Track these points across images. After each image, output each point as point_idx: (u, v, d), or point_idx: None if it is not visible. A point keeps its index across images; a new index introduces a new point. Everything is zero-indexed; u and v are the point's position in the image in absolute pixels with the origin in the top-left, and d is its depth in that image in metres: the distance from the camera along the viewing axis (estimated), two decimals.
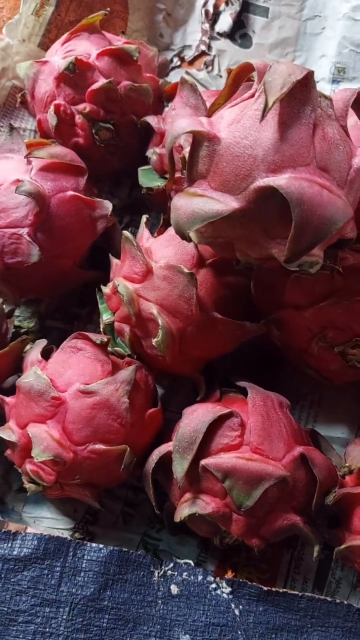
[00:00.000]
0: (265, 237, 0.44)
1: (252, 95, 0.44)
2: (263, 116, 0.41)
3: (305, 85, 0.42)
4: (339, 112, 0.45)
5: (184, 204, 0.45)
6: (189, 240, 0.46)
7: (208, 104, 0.55)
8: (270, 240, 0.44)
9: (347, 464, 0.52)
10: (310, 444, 0.53)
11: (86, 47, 0.58)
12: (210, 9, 0.73)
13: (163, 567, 0.51)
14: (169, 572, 0.51)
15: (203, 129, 0.43)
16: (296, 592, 0.50)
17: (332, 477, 0.51)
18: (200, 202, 0.44)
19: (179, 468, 0.48)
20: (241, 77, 0.48)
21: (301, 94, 0.42)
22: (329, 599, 0.50)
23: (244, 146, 0.42)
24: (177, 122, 0.45)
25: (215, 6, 0.73)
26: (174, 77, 0.72)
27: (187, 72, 0.72)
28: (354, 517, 0.50)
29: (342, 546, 0.50)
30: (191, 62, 0.73)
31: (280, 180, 0.41)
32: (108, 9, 0.61)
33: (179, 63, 0.73)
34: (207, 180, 0.44)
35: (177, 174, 0.53)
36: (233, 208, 0.43)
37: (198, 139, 0.44)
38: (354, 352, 0.51)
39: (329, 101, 0.44)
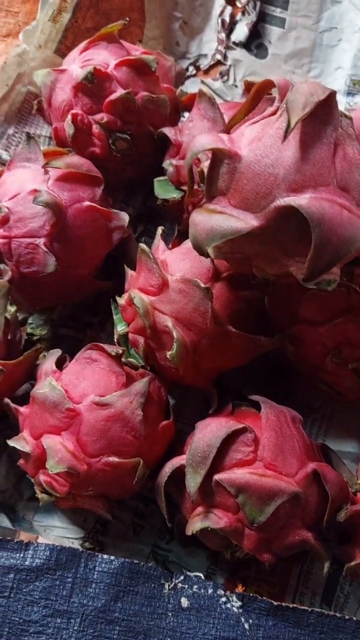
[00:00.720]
0: (284, 255, 0.44)
1: (274, 113, 0.44)
2: (285, 136, 0.41)
3: (327, 105, 0.42)
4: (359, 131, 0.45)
5: (202, 220, 0.45)
6: (207, 256, 0.46)
7: (225, 117, 0.55)
8: (288, 258, 0.44)
9: (359, 481, 0.52)
10: (322, 459, 0.53)
11: (104, 57, 0.58)
12: (227, 18, 0.73)
13: (174, 580, 0.51)
14: (180, 584, 0.51)
15: (224, 146, 0.44)
16: (306, 608, 0.50)
17: (343, 493, 0.51)
18: (220, 219, 0.44)
19: (193, 482, 0.48)
20: (262, 92, 0.48)
21: (323, 113, 0.42)
22: (338, 615, 0.50)
23: (265, 165, 0.42)
24: (198, 138, 0.45)
25: (232, 15, 0.73)
26: (189, 86, 0.72)
27: (202, 82, 0.72)
28: None
29: (353, 563, 0.50)
30: (207, 71, 0.73)
31: (301, 200, 0.41)
32: (127, 18, 0.61)
33: (194, 72, 0.73)
34: (227, 197, 0.44)
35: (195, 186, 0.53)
36: (252, 226, 0.43)
37: (219, 156, 0.44)
38: None
39: (349, 120, 0.44)
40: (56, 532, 0.57)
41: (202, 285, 0.50)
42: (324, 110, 0.42)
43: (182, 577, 0.51)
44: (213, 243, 0.44)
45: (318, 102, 0.41)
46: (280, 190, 0.42)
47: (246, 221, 0.43)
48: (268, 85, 0.47)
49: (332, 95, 0.42)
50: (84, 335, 0.63)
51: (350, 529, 0.52)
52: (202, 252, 0.46)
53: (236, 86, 0.72)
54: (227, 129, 0.50)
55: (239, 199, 0.43)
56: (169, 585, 0.51)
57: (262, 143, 0.43)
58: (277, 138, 0.42)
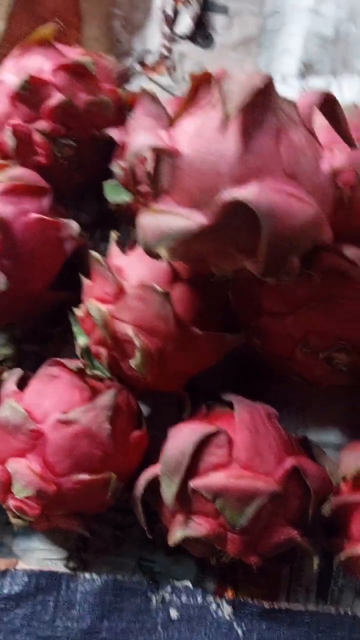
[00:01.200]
0: (237, 251, 0.43)
1: (212, 105, 0.43)
2: (223, 127, 0.40)
3: (265, 92, 0.41)
4: (305, 116, 0.44)
5: (149, 222, 0.43)
6: (159, 258, 0.44)
7: (171, 113, 0.54)
8: (242, 253, 0.43)
9: (341, 472, 0.51)
10: (301, 453, 0.51)
11: (40, 63, 0.56)
12: (169, 11, 0.71)
13: (161, 592, 0.50)
14: (168, 596, 0.50)
15: (163, 143, 0.42)
16: (300, 608, 0.49)
17: (325, 486, 0.50)
18: (167, 219, 0.42)
19: (168, 492, 0.47)
20: (201, 85, 0.47)
21: (262, 101, 0.41)
22: (332, 611, 0.49)
23: (207, 159, 0.41)
24: (136, 137, 0.43)
25: (174, 7, 0.71)
26: (136, 84, 0.71)
27: (149, 78, 0.71)
28: (352, 525, 0.49)
29: (342, 555, 0.49)
30: (153, 67, 0.71)
31: (246, 193, 0.39)
32: (58, 20, 0.59)
33: (140, 69, 0.71)
34: (172, 196, 0.43)
35: (145, 188, 0.52)
36: (201, 224, 0.41)
37: (159, 154, 0.43)
38: (339, 356, 0.50)
39: (292, 106, 0.43)
40: (38, 555, 0.55)
41: (160, 289, 0.48)
42: (263, 98, 0.41)
43: (169, 589, 0.50)
44: (163, 245, 0.42)
45: (255, 90, 0.40)
46: (224, 184, 0.40)
47: (194, 219, 0.41)
48: (206, 77, 0.45)
49: (269, 82, 0.41)
50: (46, 349, 0.61)
51: (336, 520, 0.51)
52: (153, 255, 0.44)
53: (185, 80, 0.70)
54: (170, 125, 0.49)
55: (184, 197, 0.42)
56: (156, 598, 0.50)
57: (202, 137, 0.41)
58: (216, 130, 0.41)
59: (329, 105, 0.45)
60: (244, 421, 0.49)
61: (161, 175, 0.43)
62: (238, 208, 0.40)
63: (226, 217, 0.41)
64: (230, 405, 0.51)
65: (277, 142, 0.41)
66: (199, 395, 0.55)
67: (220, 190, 0.40)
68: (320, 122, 0.47)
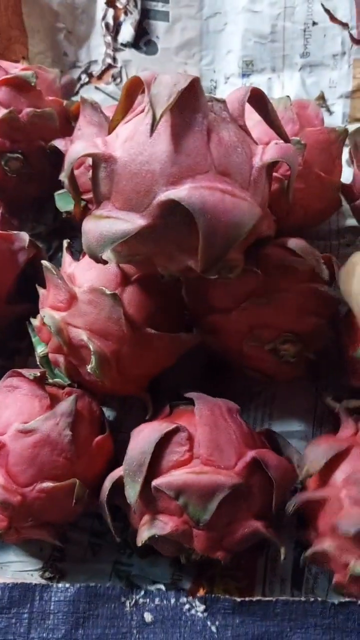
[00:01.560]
0: (179, 250, 0.43)
1: (143, 110, 0.44)
2: (152, 130, 0.40)
3: (192, 92, 0.42)
4: (236, 113, 0.45)
5: (92, 228, 0.44)
6: (104, 263, 0.45)
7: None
8: (184, 252, 0.43)
9: (306, 468, 0.50)
10: (265, 445, 0.52)
11: None
12: (111, 21, 0.72)
13: (134, 596, 0.50)
14: (141, 600, 0.50)
15: (98, 150, 0.43)
16: (270, 599, 0.50)
17: (289, 476, 0.50)
18: (107, 223, 0.43)
19: (132, 492, 0.47)
20: (134, 91, 0.47)
21: (189, 102, 0.42)
22: (303, 599, 0.50)
23: (140, 162, 0.41)
24: (72, 146, 0.44)
25: (115, 17, 0.72)
26: (84, 94, 0.71)
27: (96, 87, 0.72)
28: (319, 521, 0.49)
29: (309, 550, 0.49)
30: (99, 77, 0.72)
31: (180, 192, 0.40)
32: (1, 36, 0.59)
33: (87, 79, 0.72)
34: (111, 201, 0.43)
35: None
36: (140, 226, 0.42)
37: (95, 161, 0.43)
38: (285, 347, 0.51)
39: (222, 104, 0.44)
40: (14, 567, 0.55)
41: (108, 292, 0.49)
42: (190, 98, 0.42)
43: (142, 592, 0.50)
44: (105, 249, 0.43)
45: (181, 91, 0.41)
46: (159, 185, 0.41)
47: (133, 222, 0.42)
48: (137, 82, 0.46)
49: (195, 81, 0.42)
50: (12, 364, 0.61)
51: (305, 515, 0.51)
52: (97, 259, 0.45)
53: None
54: (109, 132, 0.49)
55: (122, 201, 0.43)
56: (130, 603, 0.50)
57: (135, 141, 0.42)
58: (148, 134, 0.41)
59: (258, 100, 0.45)
60: (203, 417, 0.49)
61: (100, 181, 0.44)
62: (173, 208, 0.41)
63: (163, 217, 0.42)
64: (193, 403, 0.51)
65: (207, 141, 0.42)
66: (161, 397, 0.55)
67: (155, 191, 0.41)
68: (256, 117, 0.48)
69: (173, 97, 0.40)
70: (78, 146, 0.43)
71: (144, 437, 0.48)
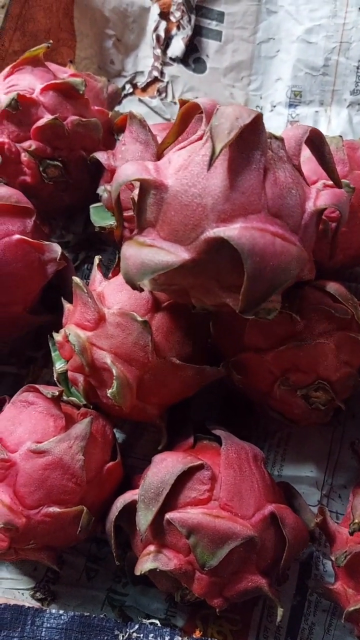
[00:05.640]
0: (219, 287, 0.42)
1: (200, 138, 0.42)
2: (211, 164, 0.39)
3: (254, 128, 0.40)
4: (292, 152, 0.44)
5: (133, 254, 0.43)
6: (140, 290, 0.44)
7: (160, 138, 0.53)
8: (223, 289, 0.42)
9: (356, 520, 0.47)
10: (283, 500, 0.50)
11: (30, 82, 0.56)
12: (162, 34, 0.71)
13: (128, 630, 0.48)
14: (134, 634, 0.48)
15: (149, 176, 0.41)
16: None
17: (302, 538, 0.48)
18: (150, 252, 0.42)
19: (143, 520, 0.46)
20: (190, 114, 0.46)
21: (250, 138, 0.40)
22: None
23: (192, 194, 0.40)
24: (122, 168, 0.43)
25: (167, 30, 0.71)
26: (126, 105, 0.70)
27: (140, 100, 0.70)
28: None
29: (352, 607, 0.46)
30: (144, 89, 0.71)
31: (230, 231, 0.39)
32: (51, 41, 0.58)
33: (131, 90, 0.71)
34: (157, 229, 0.42)
35: (131, 213, 0.51)
36: (183, 259, 0.41)
37: (144, 186, 0.42)
38: (317, 394, 0.50)
39: (280, 142, 0.43)
40: (5, 585, 0.54)
41: (140, 318, 0.47)
42: (251, 134, 0.40)
43: (136, 627, 0.49)
44: (144, 278, 0.42)
45: (243, 127, 0.39)
46: (209, 220, 0.40)
47: (177, 254, 0.41)
48: (194, 107, 0.45)
49: (258, 118, 0.41)
50: (27, 372, 0.60)
51: (345, 569, 0.48)
52: (134, 286, 0.43)
53: (175, 103, 0.70)
54: (158, 154, 0.48)
55: (168, 231, 0.41)
56: (123, 636, 0.48)
57: (189, 171, 0.41)
58: (203, 165, 0.40)
59: (315, 140, 0.44)
60: (230, 459, 0.47)
61: (146, 207, 0.43)
62: (221, 245, 0.39)
63: (209, 253, 0.40)
64: (219, 439, 0.50)
65: (263, 180, 0.40)
66: (188, 426, 0.53)
67: (204, 226, 0.40)
68: (306, 154, 0.47)
69: (235, 132, 0.39)
70: (129, 169, 0.42)
71: (166, 466, 0.47)
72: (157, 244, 0.42)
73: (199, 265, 0.41)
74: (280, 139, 0.43)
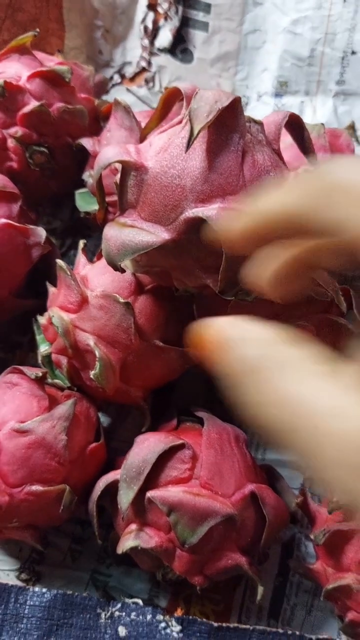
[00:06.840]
0: (199, 268, 0.43)
1: (180, 121, 0.43)
2: (189, 145, 0.40)
3: (232, 111, 0.41)
4: (271, 136, 0.44)
5: (114, 235, 0.43)
6: (122, 271, 0.44)
7: (144, 125, 0.54)
8: (203, 270, 0.43)
9: (334, 499, 0.48)
10: (264, 481, 0.51)
11: (16, 70, 0.56)
12: (150, 25, 0.71)
13: (110, 609, 0.49)
14: (117, 613, 0.49)
15: (130, 158, 0.42)
16: (247, 627, 0.49)
17: (282, 518, 0.49)
18: (131, 233, 0.42)
19: (125, 498, 0.46)
20: (171, 100, 0.47)
21: (228, 120, 0.41)
22: (280, 630, 0.49)
23: (172, 176, 0.41)
24: (104, 151, 0.43)
25: (155, 22, 0.71)
26: (114, 94, 0.70)
27: (127, 89, 0.71)
28: (343, 555, 0.48)
29: (330, 585, 0.47)
30: (132, 79, 0.72)
31: (209, 211, 0.40)
32: (37, 29, 0.59)
33: (119, 80, 0.72)
34: (137, 210, 0.43)
35: (115, 198, 0.52)
36: (163, 239, 0.41)
37: (126, 168, 0.43)
38: None
39: (259, 126, 0.43)
40: None
41: (122, 300, 0.48)
42: (229, 117, 0.41)
43: (119, 605, 0.50)
44: (125, 258, 0.42)
45: (222, 109, 0.40)
46: (188, 201, 0.40)
47: (157, 234, 0.41)
48: (176, 92, 0.46)
49: (236, 101, 0.41)
50: (13, 357, 0.61)
51: (325, 547, 0.49)
52: (116, 267, 0.44)
53: (162, 92, 0.70)
54: (141, 138, 0.49)
55: (149, 212, 0.42)
56: (105, 615, 0.49)
57: (168, 153, 0.41)
58: (183, 147, 0.41)
59: (295, 125, 0.45)
60: (211, 439, 0.48)
61: (127, 189, 0.43)
62: (200, 225, 0.40)
63: (188, 233, 0.41)
64: (202, 422, 0.50)
65: (241, 162, 0.41)
66: (171, 409, 0.54)
67: (183, 206, 0.41)
68: (288, 140, 0.48)
69: (213, 114, 0.40)
70: (110, 151, 0.43)
71: (148, 445, 0.48)
72: (138, 224, 0.42)
73: (180, 246, 0.41)
74: (259, 123, 0.44)
